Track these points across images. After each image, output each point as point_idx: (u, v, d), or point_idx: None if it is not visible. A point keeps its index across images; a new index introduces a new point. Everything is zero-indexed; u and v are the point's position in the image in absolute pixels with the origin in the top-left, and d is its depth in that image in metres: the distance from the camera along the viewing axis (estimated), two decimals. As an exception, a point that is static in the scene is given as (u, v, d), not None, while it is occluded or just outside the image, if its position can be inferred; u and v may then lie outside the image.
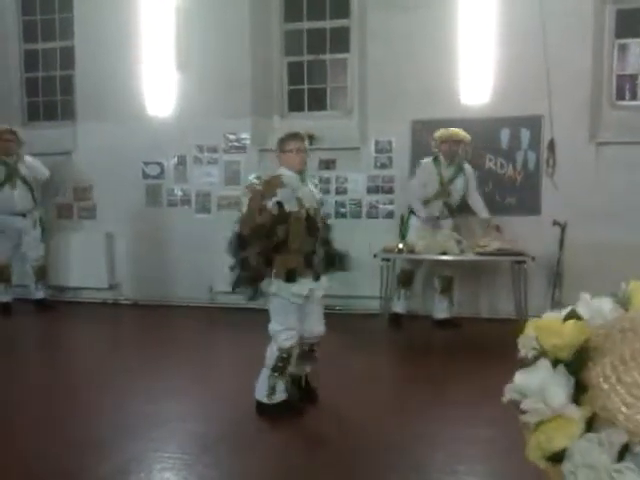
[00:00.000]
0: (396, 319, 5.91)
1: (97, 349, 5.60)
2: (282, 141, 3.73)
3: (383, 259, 5.58)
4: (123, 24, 6.83)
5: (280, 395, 3.67)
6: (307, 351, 3.79)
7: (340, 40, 6.90)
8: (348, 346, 5.15)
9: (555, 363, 1.13)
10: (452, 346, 5.42)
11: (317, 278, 3.68)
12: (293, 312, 3.61)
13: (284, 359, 3.63)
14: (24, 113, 7.83)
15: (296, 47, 7.05)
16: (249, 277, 3.53)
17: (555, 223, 5.94)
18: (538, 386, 1.14)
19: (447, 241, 5.49)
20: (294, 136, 3.70)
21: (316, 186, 4.05)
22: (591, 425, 1.06)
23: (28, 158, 6.80)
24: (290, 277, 3.55)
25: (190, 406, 3.95)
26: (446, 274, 5.91)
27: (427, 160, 5.90)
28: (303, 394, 3.83)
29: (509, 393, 1.22)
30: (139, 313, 6.94)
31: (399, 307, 5.97)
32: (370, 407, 3.82)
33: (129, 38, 6.84)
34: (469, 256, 5.48)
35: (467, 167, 5.96)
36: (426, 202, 5.84)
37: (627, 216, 5.85)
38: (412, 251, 5.50)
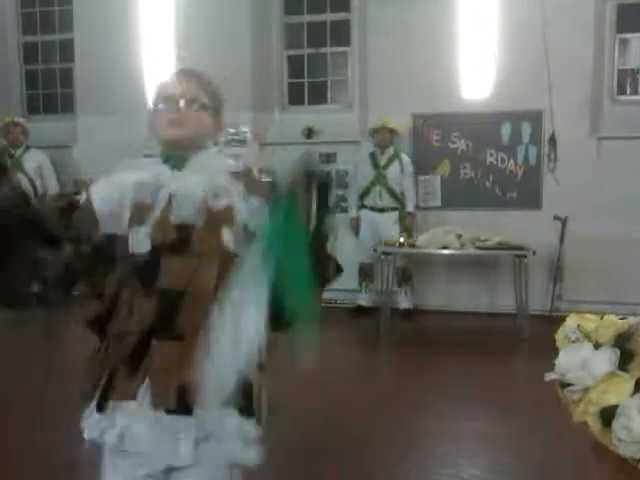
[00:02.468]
0: (361, 312, 6.10)
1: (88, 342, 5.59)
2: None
3: (383, 253, 5.58)
4: (123, 16, 6.80)
5: None
6: None
7: (341, 33, 6.88)
8: (338, 340, 5.14)
9: (596, 347, 1.24)
10: (452, 341, 5.42)
11: (181, 409, 1.57)
12: None
13: None
14: (24, 106, 7.81)
15: (296, 40, 7.03)
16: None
17: (556, 218, 5.95)
18: (581, 361, 1.23)
19: (447, 235, 5.48)
20: (172, 74, 1.73)
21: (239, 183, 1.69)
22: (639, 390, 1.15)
23: (46, 162, 6.77)
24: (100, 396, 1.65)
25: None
26: (403, 265, 6.03)
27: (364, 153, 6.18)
28: None
29: (551, 374, 1.34)
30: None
31: (363, 300, 6.19)
32: (368, 402, 3.82)
33: (129, 30, 6.81)
34: (469, 250, 5.48)
35: (404, 156, 6.12)
36: (366, 191, 6.05)
37: (628, 210, 5.85)
38: (413, 245, 5.50)
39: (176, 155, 1.65)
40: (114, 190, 1.70)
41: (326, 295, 1.63)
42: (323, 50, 6.96)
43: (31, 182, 6.67)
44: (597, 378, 1.23)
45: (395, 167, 6.04)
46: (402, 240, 5.53)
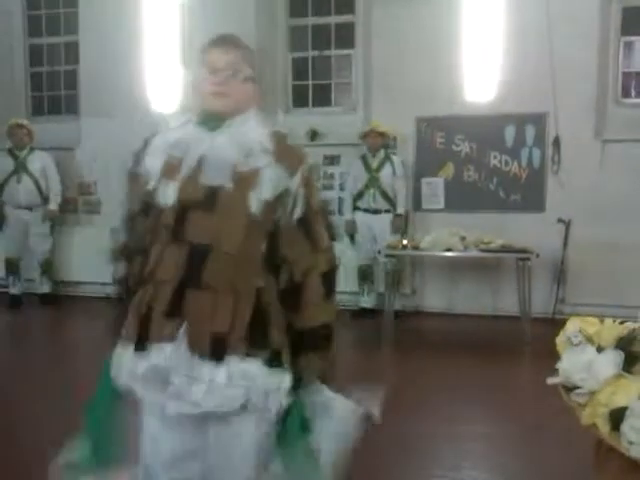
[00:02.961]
0: (363, 313, 6.13)
1: (101, 344, 5.61)
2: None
3: (387, 255, 5.58)
4: (127, 19, 6.82)
5: None
6: None
7: (345, 36, 6.89)
8: (340, 342, 5.13)
9: (599, 350, 1.23)
10: (455, 343, 5.42)
11: (212, 354, 1.59)
12: (148, 439, 1.78)
13: None
14: (29, 107, 7.84)
15: (301, 43, 7.05)
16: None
17: (560, 220, 5.95)
18: (586, 364, 1.24)
19: (451, 237, 5.49)
20: (212, 43, 1.81)
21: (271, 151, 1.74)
22: None
23: (50, 163, 6.80)
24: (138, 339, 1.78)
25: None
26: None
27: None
28: None
29: (554, 378, 1.33)
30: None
31: (365, 302, 6.23)
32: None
33: (133, 33, 6.83)
34: (473, 252, 5.48)
35: (395, 158, 6.17)
36: (360, 193, 6.12)
37: (632, 214, 5.84)
38: (416, 247, 5.50)
39: (214, 118, 1.71)
40: (154, 152, 1.77)
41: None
42: (327, 53, 6.98)
43: (36, 183, 6.70)
44: (603, 380, 1.23)
45: (387, 170, 6.08)
46: (405, 242, 5.53)
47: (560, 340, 1.40)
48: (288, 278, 1.69)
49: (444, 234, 5.46)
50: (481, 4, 6.00)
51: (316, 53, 7.02)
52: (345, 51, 6.93)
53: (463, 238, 5.49)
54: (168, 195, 1.66)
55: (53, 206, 6.81)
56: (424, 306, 6.36)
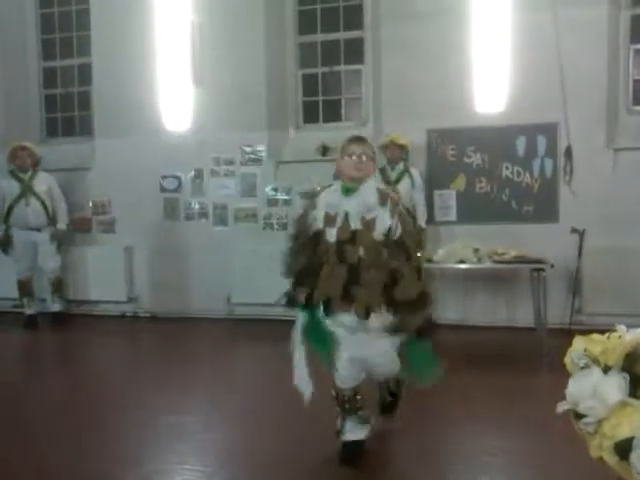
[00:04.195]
0: None
1: (117, 362, 5.64)
2: (342, 147, 3.18)
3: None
4: (139, 40, 6.93)
5: (346, 435, 3.23)
6: (383, 395, 3.48)
7: (354, 51, 6.94)
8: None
9: (605, 370, 1.18)
10: (470, 355, 5.38)
11: (365, 315, 2.99)
12: (338, 350, 3.09)
13: (344, 401, 3.18)
14: (43, 129, 7.96)
15: (310, 59, 7.11)
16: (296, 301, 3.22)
17: (573, 230, 5.91)
18: (591, 389, 1.19)
19: (464, 249, 5.47)
20: (350, 140, 3.14)
21: (389, 205, 3.02)
22: None
23: (54, 184, 6.88)
24: (325, 308, 3.09)
25: (212, 419, 3.97)
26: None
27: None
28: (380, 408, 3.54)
29: (563, 404, 1.28)
30: (158, 326, 6.99)
31: None
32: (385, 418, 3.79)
33: (145, 54, 6.93)
34: (487, 264, 5.46)
35: (414, 171, 6.16)
36: None
37: (646, 221, 5.80)
38: (430, 260, 5.48)
39: (350, 187, 3.09)
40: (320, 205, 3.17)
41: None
42: (337, 68, 7.02)
43: (43, 204, 6.76)
44: (609, 406, 1.18)
45: (406, 182, 6.07)
46: (419, 254, 5.50)
47: (567, 361, 1.36)
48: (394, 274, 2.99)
49: (457, 246, 5.44)
50: (489, 16, 6.03)
51: (326, 69, 7.07)
52: (355, 66, 6.97)
53: (477, 250, 5.47)
54: (332, 235, 3.06)
55: (61, 226, 6.88)
56: (439, 318, 6.32)
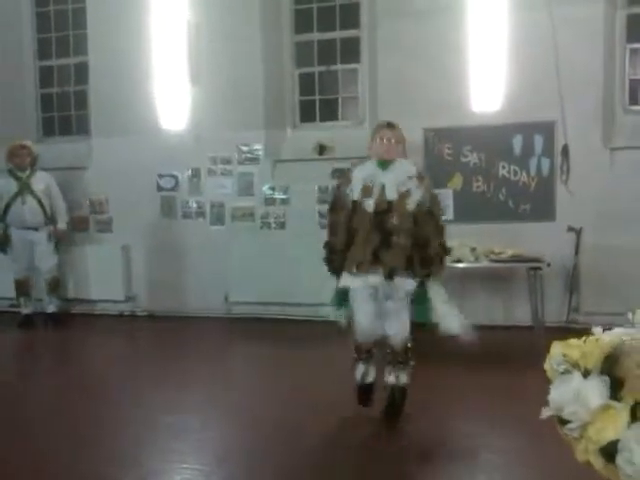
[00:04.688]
0: None
1: (115, 361, 5.64)
2: (373, 131, 3.80)
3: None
4: (135, 39, 6.91)
5: (358, 379, 3.78)
6: (391, 357, 3.69)
7: (351, 50, 6.94)
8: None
9: (585, 374, 1.18)
10: (467, 354, 5.38)
11: (389, 276, 3.51)
12: (361, 307, 3.59)
13: (359, 351, 3.76)
14: (39, 128, 7.94)
15: (307, 58, 7.10)
16: (333, 267, 3.70)
17: (570, 229, 5.93)
18: (573, 394, 1.19)
19: (461, 248, 5.48)
20: (382, 125, 3.73)
21: (414, 179, 3.61)
22: (636, 417, 1.10)
23: (52, 183, 6.85)
24: (353, 270, 3.56)
25: (210, 418, 3.97)
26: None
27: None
28: (387, 408, 3.72)
29: (547, 411, 1.28)
30: (155, 324, 6.99)
31: None
32: (382, 416, 3.80)
33: (142, 53, 6.92)
34: (484, 263, 5.47)
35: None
36: None
37: (643, 220, 5.81)
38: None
39: (384, 163, 3.59)
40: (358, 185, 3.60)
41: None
42: (334, 67, 7.02)
43: (40, 203, 6.74)
44: (591, 411, 1.19)
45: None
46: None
47: (547, 367, 1.37)
48: (423, 240, 3.56)
49: (454, 245, 5.45)
50: (486, 15, 6.03)
51: (322, 68, 7.07)
52: (351, 65, 6.97)
53: (473, 249, 5.48)
54: (369, 205, 3.54)
55: (61, 225, 6.86)
56: (434, 317, 6.32)
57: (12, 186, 6.71)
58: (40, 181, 6.79)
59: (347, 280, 3.62)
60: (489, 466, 3.22)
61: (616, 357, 1.20)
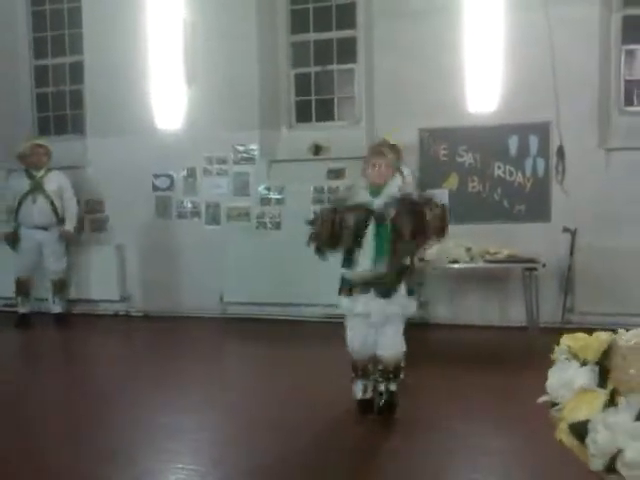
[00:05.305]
0: None
1: (110, 362, 5.63)
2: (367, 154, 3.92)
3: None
4: (131, 38, 6.90)
5: (356, 394, 3.85)
6: (381, 373, 3.76)
7: (347, 50, 6.93)
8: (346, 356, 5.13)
9: (583, 365, 1.25)
10: (462, 355, 5.40)
11: (385, 295, 3.61)
12: (354, 329, 3.72)
13: (355, 368, 3.84)
14: (35, 128, 7.92)
15: (303, 58, 7.10)
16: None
17: (565, 229, 5.94)
18: (567, 380, 1.26)
19: (456, 249, 5.48)
20: (374, 151, 3.82)
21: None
22: (613, 402, 1.16)
23: (66, 183, 6.82)
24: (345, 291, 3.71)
25: (205, 418, 3.96)
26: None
27: None
28: (379, 408, 3.79)
29: (544, 397, 1.35)
30: (150, 325, 6.97)
31: None
32: (377, 417, 3.80)
33: (137, 52, 6.91)
34: (479, 263, 5.48)
35: (404, 169, 6.11)
36: None
37: (638, 222, 5.83)
38: (422, 259, 5.49)
39: (374, 190, 3.69)
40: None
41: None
42: (330, 67, 7.02)
43: (51, 203, 6.71)
44: (573, 391, 1.27)
45: (396, 180, 6.05)
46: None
47: (554, 357, 1.44)
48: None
49: (449, 246, 5.45)
50: (482, 16, 6.04)
51: (318, 68, 7.07)
52: (347, 66, 6.97)
53: (469, 249, 5.49)
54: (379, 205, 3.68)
55: (69, 226, 6.80)
56: (431, 317, 6.34)
57: (25, 185, 6.69)
58: (53, 181, 6.77)
59: (342, 302, 3.72)
60: (484, 467, 3.22)
61: (609, 350, 1.28)
